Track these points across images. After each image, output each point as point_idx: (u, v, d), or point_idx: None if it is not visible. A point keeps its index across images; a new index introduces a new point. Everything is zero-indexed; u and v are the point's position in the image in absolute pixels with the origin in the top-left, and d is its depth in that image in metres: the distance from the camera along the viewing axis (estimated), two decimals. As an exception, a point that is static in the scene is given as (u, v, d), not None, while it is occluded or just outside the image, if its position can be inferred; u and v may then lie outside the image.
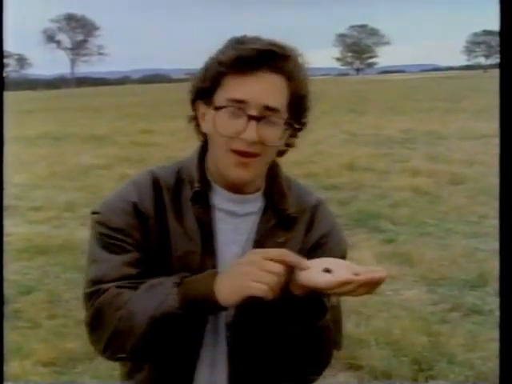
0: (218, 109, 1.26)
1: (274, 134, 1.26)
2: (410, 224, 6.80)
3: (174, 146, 12.43)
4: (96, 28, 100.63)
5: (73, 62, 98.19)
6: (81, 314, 1.34)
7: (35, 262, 5.55)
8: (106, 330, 1.24)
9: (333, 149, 12.63)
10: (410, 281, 4.99)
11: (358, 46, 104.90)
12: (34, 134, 15.96)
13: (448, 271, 5.14)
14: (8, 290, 4.39)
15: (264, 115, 1.24)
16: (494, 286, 4.53)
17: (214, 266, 1.30)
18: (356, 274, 1.12)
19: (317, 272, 1.14)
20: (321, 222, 1.40)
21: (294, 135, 1.35)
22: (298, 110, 1.31)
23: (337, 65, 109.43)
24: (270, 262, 1.14)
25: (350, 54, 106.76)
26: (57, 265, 5.44)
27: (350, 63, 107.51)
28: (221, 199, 1.34)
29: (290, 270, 1.16)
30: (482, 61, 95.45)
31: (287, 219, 1.36)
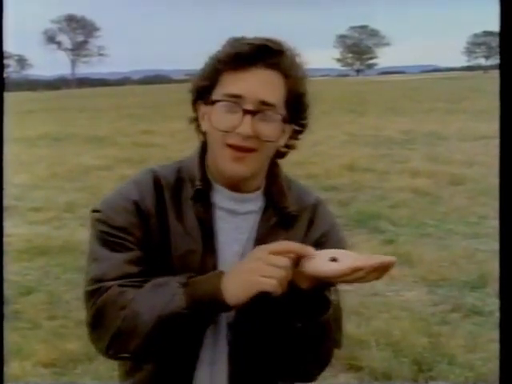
0: (214, 103, 1.27)
1: (269, 129, 1.27)
2: (410, 225, 6.79)
3: (174, 146, 12.42)
4: (96, 29, 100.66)
5: (73, 63, 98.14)
6: (81, 314, 1.34)
7: (35, 263, 5.55)
8: (109, 329, 1.24)
9: (333, 150, 12.63)
10: (410, 282, 4.99)
11: (359, 47, 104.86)
12: (35, 134, 15.94)
13: (448, 272, 5.13)
14: (8, 291, 4.38)
15: (260, 110, 1.25)
16: (494, 286, 4.53)
17: (215, 265, 1.30)
18: None
19: (323, 261, 1.15)
20: (321, 220, 1.41)
21: (294, 137, 1.36)
22: (296, 108, 1.31)
23: (337, 66, 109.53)
24: (276, 256, 1.15)
25: (350, 55, 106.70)
26: (57, 266, 5.43)
27: (351, 64, 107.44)
28: (221, 198, 1.34)
29: (295, 264, 1.16)
30: (482, 62, 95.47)
31: (288, 218, 1.36)
